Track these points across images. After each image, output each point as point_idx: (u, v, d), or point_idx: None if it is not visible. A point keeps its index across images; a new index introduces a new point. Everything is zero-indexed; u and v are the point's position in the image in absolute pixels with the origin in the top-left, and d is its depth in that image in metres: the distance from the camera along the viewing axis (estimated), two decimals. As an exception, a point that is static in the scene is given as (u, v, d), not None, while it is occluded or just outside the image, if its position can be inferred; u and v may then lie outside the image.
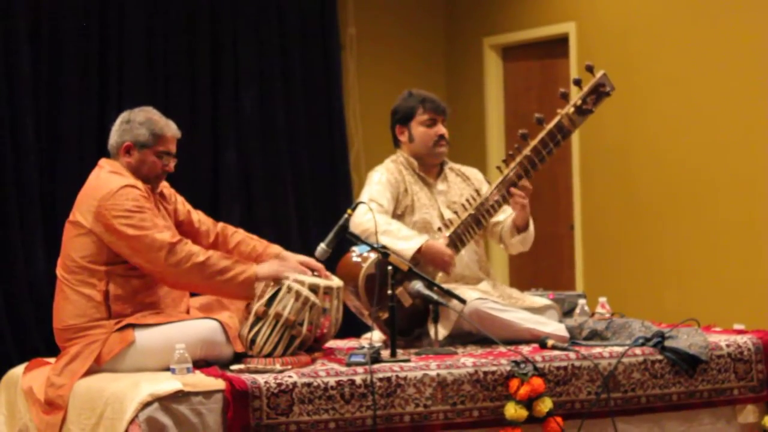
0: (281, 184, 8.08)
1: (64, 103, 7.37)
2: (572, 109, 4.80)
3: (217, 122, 7.91)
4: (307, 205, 8.18)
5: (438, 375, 4.17)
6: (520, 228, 4.96)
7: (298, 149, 8.18)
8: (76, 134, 7.37)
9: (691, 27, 7.13)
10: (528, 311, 4.80)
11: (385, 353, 4.34)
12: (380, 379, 4.08)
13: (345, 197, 8.18)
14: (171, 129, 4.44)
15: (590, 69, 4.78)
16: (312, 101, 8.26)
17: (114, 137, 4.41)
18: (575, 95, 4.83)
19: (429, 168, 5.07)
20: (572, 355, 4.40)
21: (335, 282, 4.41)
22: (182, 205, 4.61)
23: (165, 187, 4.54)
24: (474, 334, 4.72)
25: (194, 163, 7.62)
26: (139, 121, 4.39)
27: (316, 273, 4.40)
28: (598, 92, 4.79)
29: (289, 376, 3.99)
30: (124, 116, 4.43)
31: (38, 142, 7.27)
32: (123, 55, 7.55)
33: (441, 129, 5.03)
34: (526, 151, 4.83)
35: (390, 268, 4.47)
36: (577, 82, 4.81)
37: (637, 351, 4.48)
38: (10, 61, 7.17)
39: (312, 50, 8.26)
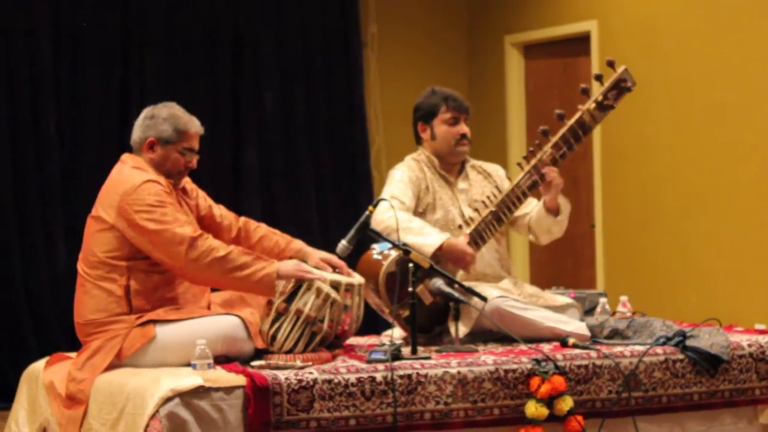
0: (302, 181, 8.09)
1: (85, 100, 7.39)
2: (593, 105, 4.78)
3: (238, 119, 7.92)
4: (328, 202, 8.19)
5: (458, 372, 4.16)
6: (552, 211, 4.92)
7: (319, 146, 8.19)
8: (98, 132, 7.39)
9: (714, 24, 7.10)
10: (549, 310, 4.78)
11: (406, 350, 4.33)
12: (401, 377, 4.07)
13: (366, 194, 8.18)
14: (194, 125, 4.44)
15: (611, 64, 4.75)
16: (333, 99, 8.26)
17: (137, 132, 4.41)
18: (596, 91, 4.80)
19: (450, 166, 5.05)
20: (593, 353, 4.38)
21: (356, 279, 4.41)
22: (203, 200, 4.61)
23: (187, 182, 4.54)
24: (495, 332, 4.71)
25: (215, 160, 7.62)
26: (163, 117, 4.38)
27: (337, 270, 4.40)
28: (620, 87, 4.76)
29: (310, 373, 3.99)
30: (147, 112, 4.43)
31: (60, 140, 7.29)
32: (144, 53, 7.56)
33: (463, 128, 5.01)
34: (547, 147, 4.81)
35: (411, 265, 4.45)
36: (599, 78, 4.78)
37: (659, 350, 4.46)
38: (32, 59, 7.19)
39: (334, 48, 8.27)
